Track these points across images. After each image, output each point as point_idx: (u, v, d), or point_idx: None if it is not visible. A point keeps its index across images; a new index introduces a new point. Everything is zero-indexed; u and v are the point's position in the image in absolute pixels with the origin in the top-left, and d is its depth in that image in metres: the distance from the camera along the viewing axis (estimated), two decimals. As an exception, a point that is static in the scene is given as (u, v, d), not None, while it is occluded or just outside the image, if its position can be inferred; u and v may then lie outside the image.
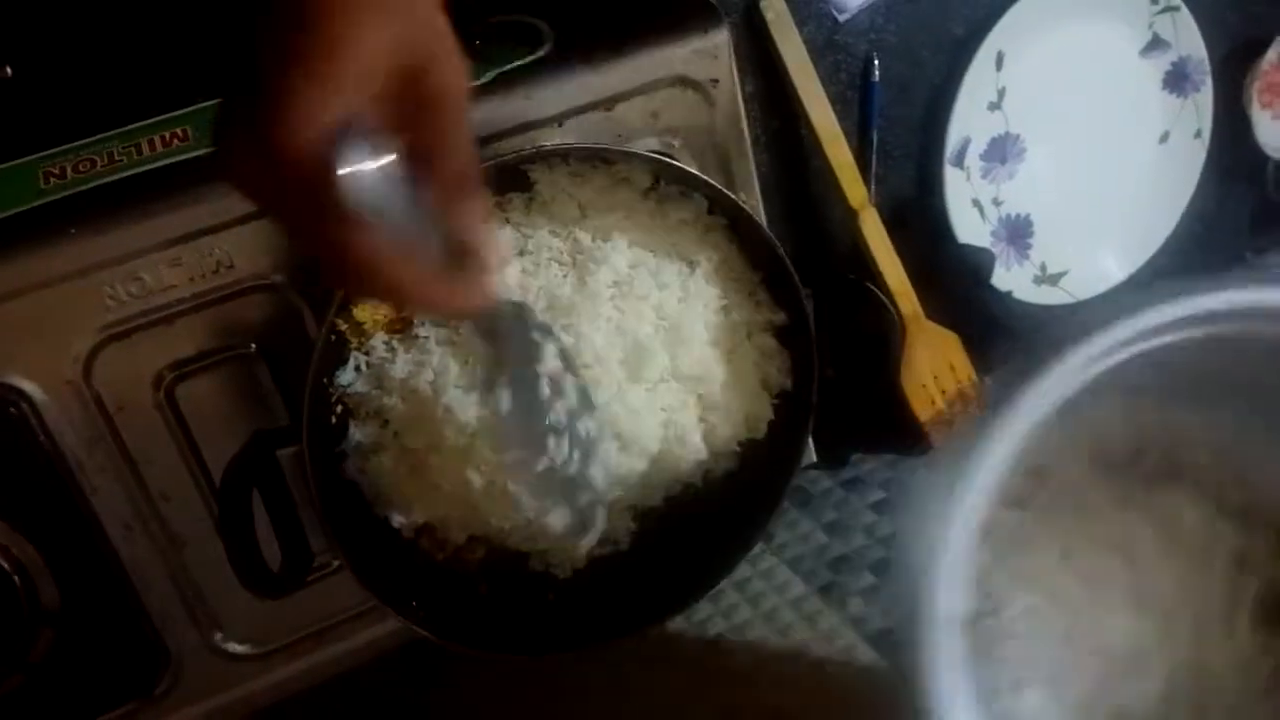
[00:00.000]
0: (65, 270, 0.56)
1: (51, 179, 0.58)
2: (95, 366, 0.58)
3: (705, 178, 0.58)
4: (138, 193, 0.57)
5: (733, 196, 0.58)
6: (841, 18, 0.80)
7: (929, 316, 0.84)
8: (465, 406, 0.56)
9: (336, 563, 0.58)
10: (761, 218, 0.61)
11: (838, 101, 0.81)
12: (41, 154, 0.59)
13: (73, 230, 0.56)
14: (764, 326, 0.62)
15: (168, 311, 0.59)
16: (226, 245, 0.59)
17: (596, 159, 0.59)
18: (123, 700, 0.64)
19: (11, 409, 0.57)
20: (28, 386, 0.57)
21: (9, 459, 0.58)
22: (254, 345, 0.61)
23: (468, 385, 0.56)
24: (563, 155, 0.58)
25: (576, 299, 0.57)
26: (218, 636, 0.65)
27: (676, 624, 0.75)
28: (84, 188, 0.58)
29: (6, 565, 0.60)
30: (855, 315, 0.72)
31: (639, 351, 0.57)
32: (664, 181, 0.60)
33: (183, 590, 0.64)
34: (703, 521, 0.66)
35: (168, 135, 0.60)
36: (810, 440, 0.72)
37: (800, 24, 0.78)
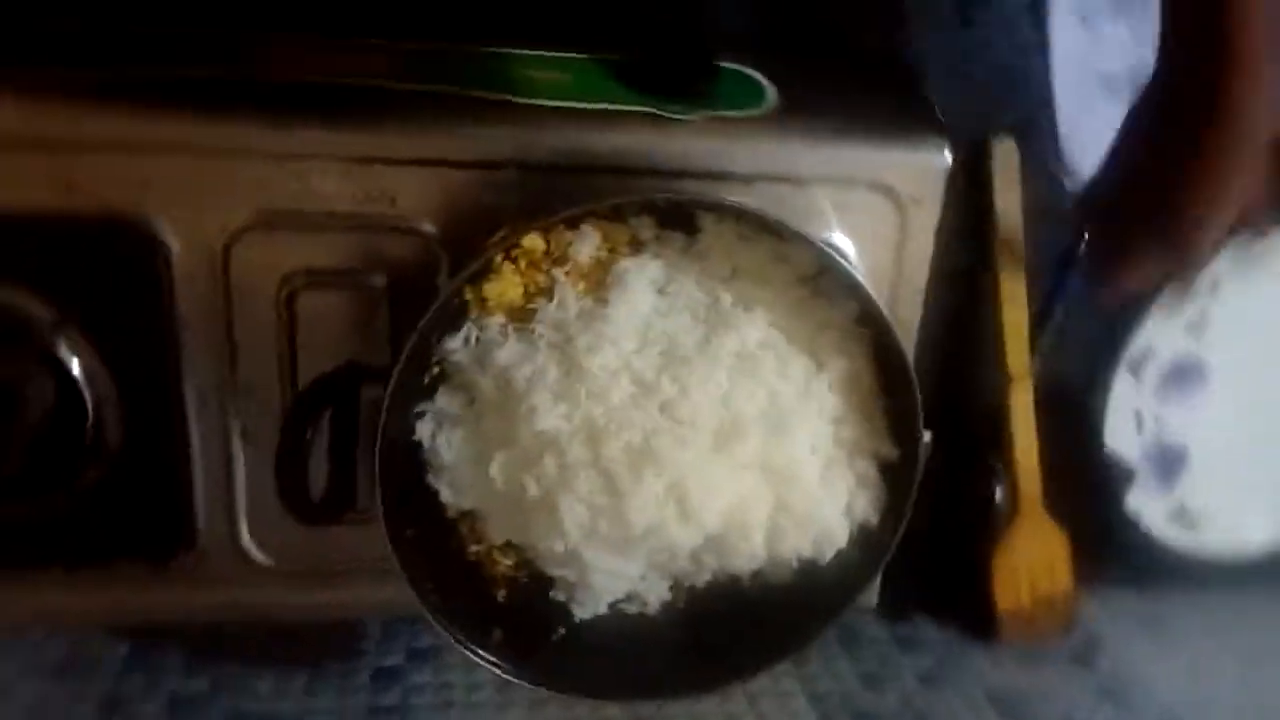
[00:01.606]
0: (247, 146, 0.58)
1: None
2: (237, 246, 0.59)
3: (867, 288, 0.55)
4: (335, 100, 0.58)
5: (886, 316, 0.55)
6: (1069, 187, 0.76)
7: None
8: (548, 414, 0.54)
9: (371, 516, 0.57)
10: (909, 352, 0.57)
11: (1035, 267, 0.78)
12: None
13: (265, 113, 0.57)
14: (870, 454, 0.59)
15: (320, 220, 0.59)
16: (397, 181, 0.59)
17: (769, 229, 0.57)
18: (137, 559, 0.65)
19: (149, 255, 0.59)
20: (172, 241, 0.59)
21: (126, 302, 0.60)
22: (384, 281, 0.61)
23: (559, 394, 0.55)
24: (739, 214, 0.57)
25: (695, 355, 0.55)
26: (245, 539, 0.65)
27: (671, 710, 0.72)
28: (293, 79, 0.59)
29: (89, 394, 0.61)
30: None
31: (736, 428, 0.55)
32: (824, 277, 0.58)
33: (230, 481, 0.64)
34: (739, 620, 0.63)
35: (381, 61, 0.61)
36: (877, 584, 0.68)
37: (1027, 178, 0.75)
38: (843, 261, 0.55)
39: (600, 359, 0.55)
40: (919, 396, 0.56)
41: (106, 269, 0.59)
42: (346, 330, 0.61)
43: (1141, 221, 0.59)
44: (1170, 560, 0.86)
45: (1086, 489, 0.80)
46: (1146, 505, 0.85)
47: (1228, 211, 0.56)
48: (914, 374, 0.56)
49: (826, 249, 0.54)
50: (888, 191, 0.61)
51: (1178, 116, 0.57)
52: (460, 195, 0.59)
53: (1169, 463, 0.85)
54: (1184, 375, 0.83)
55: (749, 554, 0.58)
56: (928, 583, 0.79)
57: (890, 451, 0.58)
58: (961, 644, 0.82)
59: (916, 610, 0.83)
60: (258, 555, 0.66)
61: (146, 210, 0.58)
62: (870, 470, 0.58)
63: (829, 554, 0.58)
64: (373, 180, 0.59)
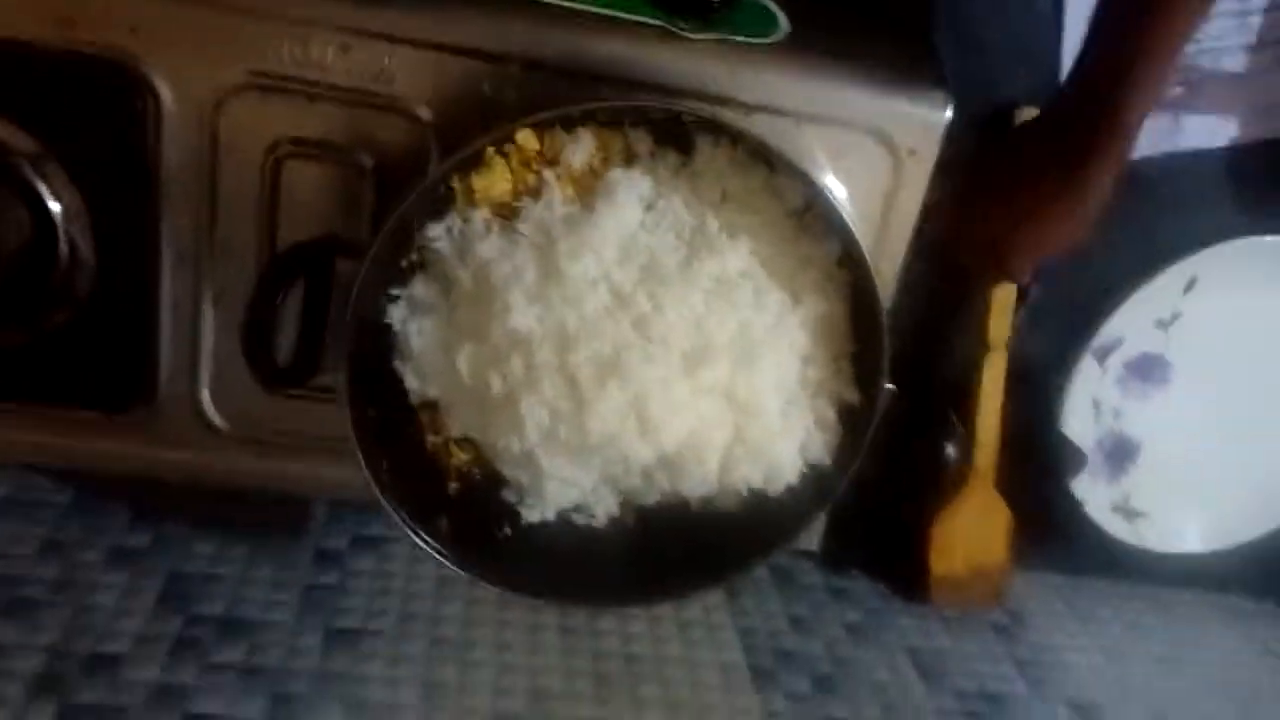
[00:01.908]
0: (251, 5, 0.57)
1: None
2: (229, 103, 0.59)
3: (852, 229, 0.55)
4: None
5: (868, 260, 0.55)
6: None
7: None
8: (522, 313, 0.55)
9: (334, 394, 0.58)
10: (885, 301, 0.58)
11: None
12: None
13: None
14: (832, 397, 0.59)
15: (315, 90, 0.59)
16: (399, 60, 0.58)
17: (764, 159, 0.57)
18: (93, 405, 0.65)
19: (138, 101, 0.58)
20: (164, 89, 0.58)
21: (112, 147, 0.59)
22: (372, 161, 0.61)
23: (534, 295, 0.55)
24: (735, 138, 0.56)
25: (675, 275, 0.55)
26: (204, 398, 0.65)
27: (604, 621, 0.74)
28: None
29: (64, 234, 0.61)
30: (926, 438, 0.68)
31: (705, 352, 0.55)
32: (812, 212, 0.58)
33: (196, 339, 0.64)
34: (682, 543, 0.64)
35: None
36: (820, 528, 0.70)
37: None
38: (832, 199, 0.55)
39: (580, 266, 0.55)
40: (887, 346, 0.56)
41: (95, 109, 0.59)
42: (329, 205, 0.61)
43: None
44: (1106, 549, 0.88)
45: (1036, 467, 0.82)
46: (1092, 493, 0.87)
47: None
48: (886, 323, 0.56)
49: (819, 185, 0.54)
50: (885, 140, 0.61)
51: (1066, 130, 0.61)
52: (460, 84, 0.59)
53: (1120, 455, 0.87)
54: (1148, 370, 0.84)
55: (701, 478, 0.58)
56: (870, 537, 0.80)
57: (852, 396, 0.59)
58: (892, 601, 0.84)
59: (855, 563, 0.85)
60: (215, 418, 0.66)
61: (141, 55, 0.57)
62: (830, 412, 0.59)
63: (778, 488, 0.59)
64: (374, 57, 0.58)
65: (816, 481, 0.60)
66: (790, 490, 0.60)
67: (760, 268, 0.57)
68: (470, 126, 0.57)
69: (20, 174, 0.59)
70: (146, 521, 0.73)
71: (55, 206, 0.60)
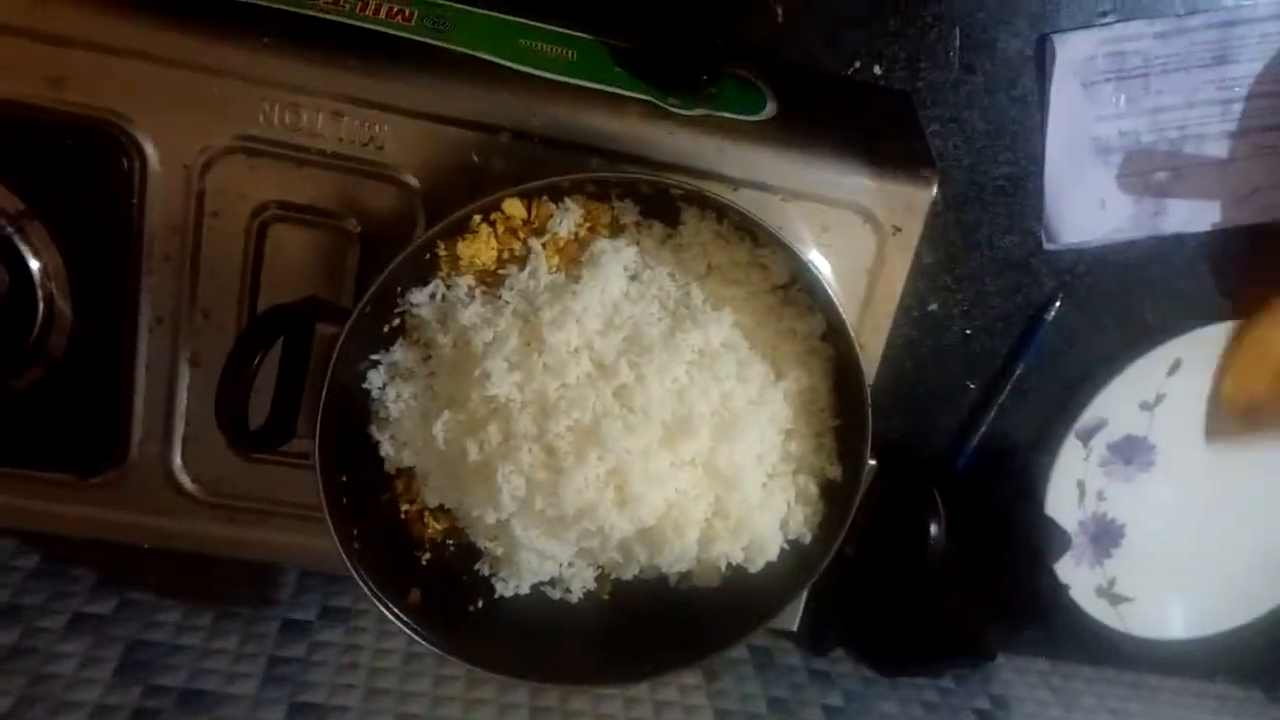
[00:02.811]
0: (242, 70, 0.57)
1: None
2: (215, 166, 0.59)
3: (838, 305, 0.56)
4: (340, 39, 0.58)
5: (852, 336, 0.56)
6: (1047, 245, 0.78)
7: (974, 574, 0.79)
8: (502, 380, 0.54)
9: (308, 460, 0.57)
10: (869, 377, 0.58)
11: (1000, 319, 0.79)
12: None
13: (266, 40, 0.57)
14: (815, 472, 0.59)
15: (303, 155, 0.59)
16: (389, 128, 0.59)
17: (749, 233, 0.57)
18: (62, 468, 0.64)
19: (125, 159, 0.58)
20: (150, 149, 0.58)
21: (95, 206, 0.59)
22: (359, 227, 0.61)
23: (515, 363, 0.55)
24: (721, 212, 0.57)
25: (658, 346, 0.55)
26: (176, 462, 0.65)
27: (577, 702, 0.72)
28: (302, 10, 0.59)
29: (42, 293, 0.61)
30: (909, 516, 0.68)
31: (686, 424, 0.55)
32: (797, 287, 0.58)
33: (170, 404, 0.63)
34: (659, 619, 0.63)
35: (395, 9, 0.61)
36: (801, 605, 0.69)
37: (1004, 232, 0.77)
38: (817, 274, 0.55)
39: (563, 335, 0.55)
40: (870, 421, 0.56)
41: (81, 169, 0.59)
42: (314, 269, 0.61)
43: None
44: (1091, 634, 0.88)
45: (1020, 549, 0.81)
46: (1076, 576, 0.86)
47: None
48: (869, 398, 0.56)
49: (804, 260, 0.55)
50: (871, 217, 0.62)
51: None
52: (449, 153, 0.59)
53: (1104, 538, 0.87)
54: (1131, 452, 0.84)
55: (680, 552, 0.58)
56: (852, 617, 0.80)
57: (834, 472, 0.59)
58: (874, 685, 0.83)
59: (835, 643, 0.84)
60: (186, 483, 0.65)
61: (130, 116, 0.58)
62: (812, 487, 0.59)
63: (758, 564, 0.59)
64: (364, 124, 0.59)
65: (798, 558, 0.59)
66: (770, 567, 0.59)
67: (743, 340, 0.58)
68: (458, 194, 0.57)
69: (1, 232, 0.59)
70: (111, 587, 0.72)
71: (34, 265, 0.60)
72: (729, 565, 0.59)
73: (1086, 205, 0.77)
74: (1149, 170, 0.77)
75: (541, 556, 0.60)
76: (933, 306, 0.79)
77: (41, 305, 0.61)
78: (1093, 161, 0.76)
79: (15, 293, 0.60)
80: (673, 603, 0.63)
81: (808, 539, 0.59)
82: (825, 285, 0.56)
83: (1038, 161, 0.75)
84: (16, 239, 0.59)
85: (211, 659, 0.69)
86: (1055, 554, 0.83)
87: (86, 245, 0.60)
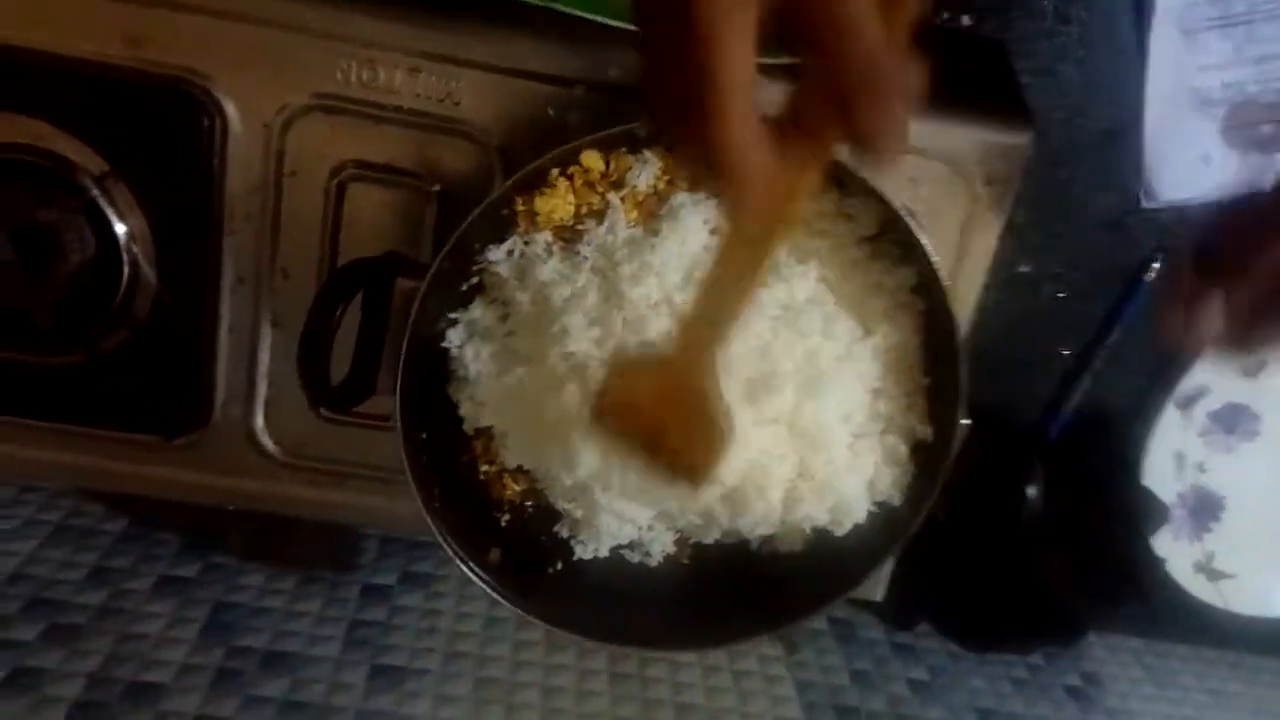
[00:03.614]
0: (319, 27, 0.56)
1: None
2: (294, 125, 0.58)
3: (930, 254, 0.52)
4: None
5: (945, 286, 0.53)
6: (1145, 204, 0.73)
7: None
8: (580, 336, 0.53)
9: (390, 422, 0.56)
10: (960, 334, 0.55)
11: (1095, 281, 0.75)
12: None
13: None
14: (904, 433, 0.56)
15: (381, 113, 0.58)
16: (466, 83, 0.58)
17: (836, 182, 0.54)
18: (146, 430, 0.64)
19: (205, 118, 0.58)
20: (230, 108, 0.58)
21: (175, 165, 0.59)
22: (437, 185, 0.60)
23: (595, 319, 0.53)
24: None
25: (741, 301, 0.53)
26: (259, 424, 0.64)
27: (655, 669, 0.71)
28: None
29: (127, 254, 0.60)
30: (1005, 480, 0.64)
31: (770, 381, 0.52)
32: (886, 238, 0.55)
33: (253, 365, 0.63)
34: (739, 585, 0.61)
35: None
36: (887, 574, 0.66)
37: (1101, 189, 0.73)
38: (910, 221, 0.52)
39: (642, 289, 0.53)
40: (965, 380, 0.53)
41: (162, 129, 0.58)
42: (393, 228, 0.60)
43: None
44: (1189, 611, 0.83)
45: (1116, 521, 0.77)
46: (1173, 551, 0.82)
47: None
48: (963, 353, 0.53)
49: (894, 206, 0.52)
50: (961, 170, 0.58)
51: None
52: (525, 107, 0.57)
53: (1203, 510, 0.82)
54: (1234, 421, 0.80)
55: (763, 514, 0.55)
56: (940, 589, 0.76)
57: (925, 432, 0.56)
58: (961, 660, 0.80)
59: (920, 617, 0.81)
60: (268, 444, 0.64)
61: (209, 75, 0.57)
62: (901, 448, 0.56)
63: (845, 527, 0.56)
64: (441, 80, 0.57)
65: (884, 523, 0.57)
66: (856, 531, 0.56)
67: (829, 294, 0.55)
68: (535, 150, 0.56)
69: (87, 194, 0.59)
70: (196, 551, 0.72)
71: (120, 228, 0.60)
72: (813, 529, 0.57)
73: (1188, 161, 0.72)
74: (1255, 123, 0.72)
75: (620, 519, 0.58)
76: (1024, 268, 0.75)
77: (127, 268, 0.61)
78: (1195, 115, 0.72)
79: (101, 255, 0.60)
80: (754, 568, 0.60)
81: (896, 501, 0.56)
82: (918, 233, 0.52)
83: (1136, 115, 0.71)
84: (101, 201, 0.59)
85: (294, 621, 0.68)
86: (1152, 527, 0.79)
87: (169, 206, 0.60)
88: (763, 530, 0.57)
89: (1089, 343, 0.76)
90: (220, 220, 0.60)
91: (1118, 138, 0.72)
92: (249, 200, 0.60)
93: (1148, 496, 0.78)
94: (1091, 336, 0.76)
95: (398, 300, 0.54)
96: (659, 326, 0.53)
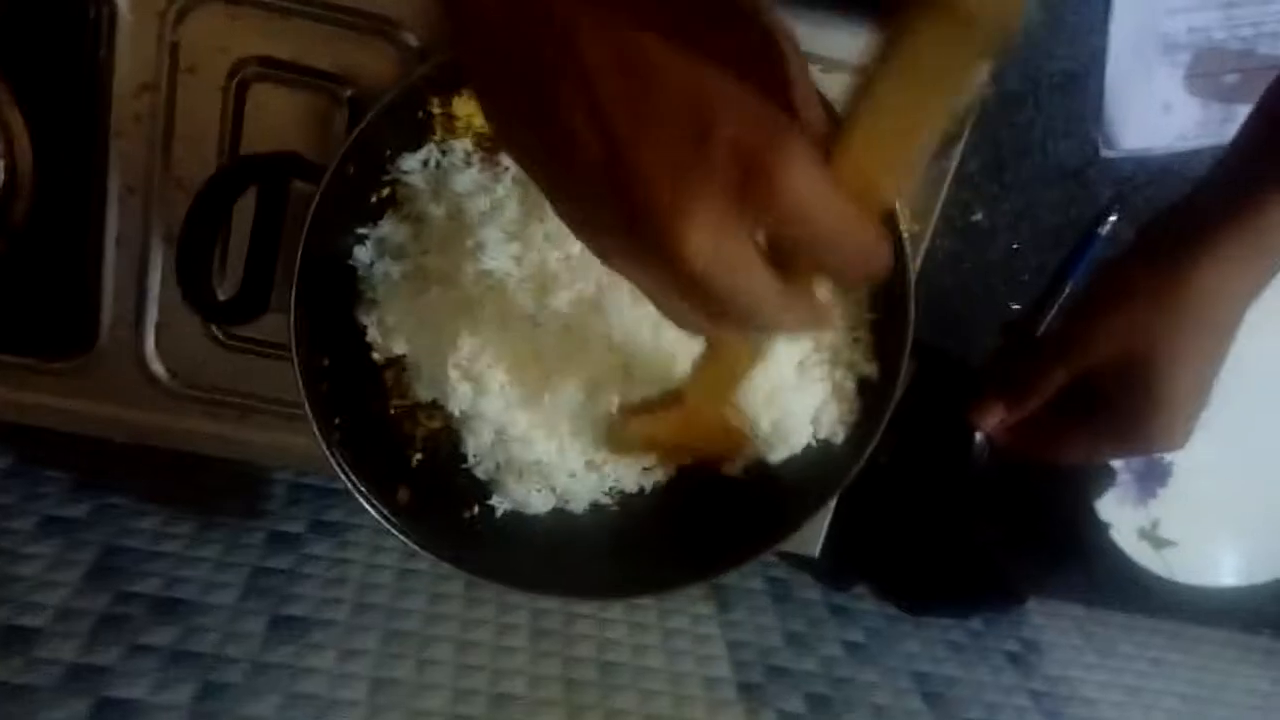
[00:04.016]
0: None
1: None
2: (191, 14, 0.52)
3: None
4: None
5: (897, 215, 0.48)
6: (1105, 152, 0.69)
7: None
8: (498, 253, 0.47)
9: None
10: (907, 257, 0.50)
11: (1050, 232, 0.71)
12: None
13: None
14: (849, 366, 0.51)
15: (289, 4, 0.52)
16: (384, -23, 0.51)
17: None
18: (25, 352, 0.57)
19: (90, 6, 0.51)
20: (120, -2, 0.51)
21: (57, 57, 0.52)
22: (351, 91, 0.53)
23: (513, 234, 0.47)
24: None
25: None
26: (148, 348, 0.58)
27: (580, 625, 0.66)
28: None
29: (3, 160, 0.54)
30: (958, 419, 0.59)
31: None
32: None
33: (142, 283, 0.57)
34: (669, 531, 0.56)
35: None
36: (824, 528, 0.62)
37: (1059, 136, 0.69)
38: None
39: (567, 204, 0.48)
40: (912, 313, 0.48)
41: (42, 16, 0.52)
42: (298, 136, 0.54)
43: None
44: (1132, 579, 0.80)
45: (1060, 483, 0.73)
46: (1118, 516, 0.78)
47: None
48: (913, 286, 0.48)
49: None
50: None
51: None
52: (449, 5, 0.52)
53: (1149, 476, 0.79)
54: (1182, 385, 0.76)
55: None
56: (876, 546, 0.72)
57: (869, 369, 0.51)
58: (898, 623, 0.76)
59: (857, 578, 0.77)
60: (160, 371, 0.58)
61: (96, -44, 0.51)
62: (848, 384, 0.51)
63: (782, 452, 0.51)
64: (359, -29, 0.51)
65: (824, 464, 0.52)
66: (795, 472, 0.52)
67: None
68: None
69: (-43, 85, 0.52)
70: (88, 490, 0.66)
71: (-7, 122, 0.53)
72: (746, 471, 0.52)
73: (1150, 108, 0.69)
74: (1219, 72, 0.68)
75: (541, 467, 0.53)
76: (977, 216, 0.70)
77: (2, 172, 0.54)
78: (1159, 60, 0.68)
79: (-28, 154, 0.53)
80: (685, 516, 0.56)
81: (839, 439, 0.52)
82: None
83: (1099, 58, 0.67)
84: (-27, 93, 0.52)
85: (190, 567, 0.62)
86: (1097, 490, 0.75)
87: (50, 103, 0.53)
88: None
89: (1040, 296, 0.72)
90: (107, 121, 0.53)
91: (1079, 82, 0.68)
92: (139, 99, 0.53)
93: (1094, 459, 0.74)
94: (1040, 292, 0.72)
95: (295, 207, 0.48)
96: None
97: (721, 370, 0.41)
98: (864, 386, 0.52)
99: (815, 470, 0.51)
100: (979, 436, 0.55)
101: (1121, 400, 0.49)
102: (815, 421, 0.51)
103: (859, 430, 0.51)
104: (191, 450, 0.61)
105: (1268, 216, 0.47)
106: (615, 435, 0.48)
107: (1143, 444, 0.51)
